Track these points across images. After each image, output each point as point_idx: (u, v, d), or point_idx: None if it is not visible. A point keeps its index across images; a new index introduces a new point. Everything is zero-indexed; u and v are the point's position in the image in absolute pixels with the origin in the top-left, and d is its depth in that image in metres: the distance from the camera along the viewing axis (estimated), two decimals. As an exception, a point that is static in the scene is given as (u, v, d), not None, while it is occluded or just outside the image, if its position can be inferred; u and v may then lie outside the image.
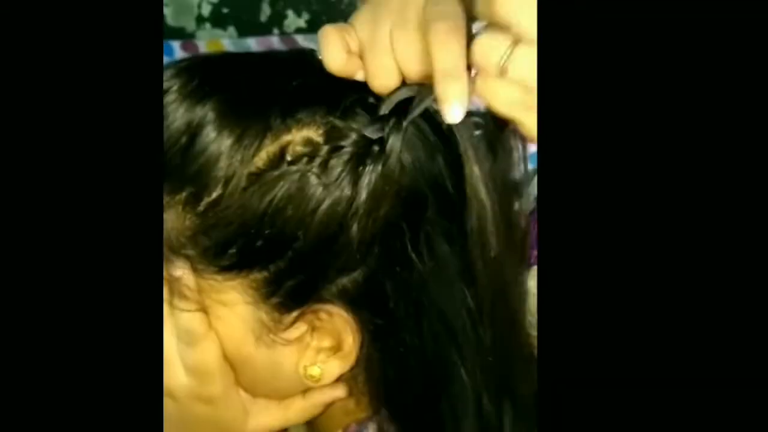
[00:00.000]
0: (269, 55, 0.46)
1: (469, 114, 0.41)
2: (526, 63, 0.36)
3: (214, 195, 0.41)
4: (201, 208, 0.41)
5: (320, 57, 0.43)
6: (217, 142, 0.41)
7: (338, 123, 0.41)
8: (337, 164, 0.40)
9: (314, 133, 0.41)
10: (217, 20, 1.64)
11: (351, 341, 0.43)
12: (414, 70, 0.40)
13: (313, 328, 0.43)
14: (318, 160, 0.40)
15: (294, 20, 1.67)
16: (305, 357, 0.44)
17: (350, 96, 0.42)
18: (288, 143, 0.41)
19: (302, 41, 1.60)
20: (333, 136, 0.41)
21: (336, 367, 0.44)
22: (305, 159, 0.40)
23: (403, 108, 0.41)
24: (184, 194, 0.42)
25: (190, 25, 1.63)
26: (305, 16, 1.67)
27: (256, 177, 0.41)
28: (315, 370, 0.44)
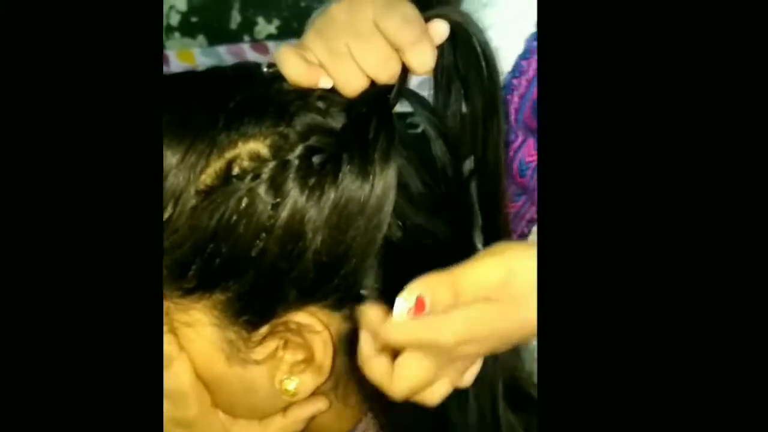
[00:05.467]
0: (213, 72, 0.45)
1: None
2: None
3: (166, 215, 0.40)
4: None
5: (266, 70, 0.43)
6: (164, 160, 0.40)
7: (284, 131, 0.40)
8: (286, 178, 0.39)
9: (261, 145, 0.40)
10: (187, 29, 1.63)
11: (323, 351, 0.42)
12: (383, 74, 0.42)
13: (284, 342, 0.42)
14: (265, 176, 0.39)
15: (264, 27, 1.67)
16: (279, 372, 0.43)
17: (295, 102, 0.41)
18: (235, 157, 0.40)
19: (273, 47, 1.59)
20: (279, 148, 0.40)
21: (310, 379, 0.43)
22: (251, 175, 0.39)
23: (376, 103, 0.42)
24: None
25: (159, 35, 1.62)
26: (276, 22, 1.67)
27: (204, 194, 0.40)
28: (290, 385, 0.43)
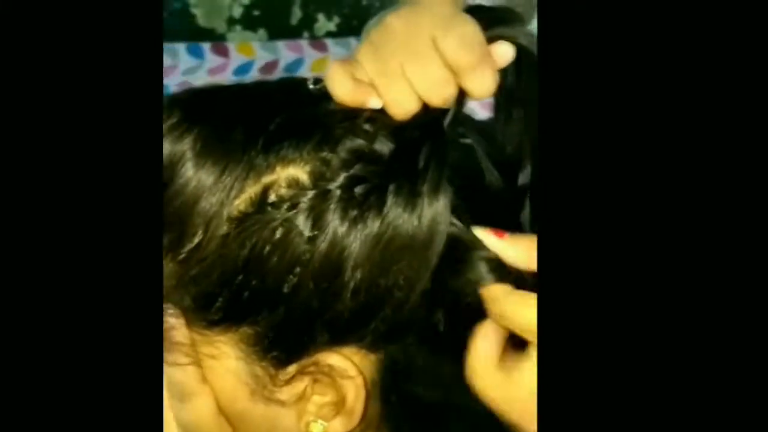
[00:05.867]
0: (256, 86, 0.43)
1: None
2: None
3: (196, 240, 0.38)
4: (182, 255, 0.38)
5: (312, 87, 0.41)
6: (196, 179, 0.37)
7: (327, 157, 0.38)
8: (325, 209, 0.37)
9: (301, 171, 0.38)
10: (248, 22, 1.64)
11: (353, 396, 0.39)
12: (437, 98, 0.39)
13: (314, 382, 0.40)
14: (303, 206, 0.37)
15: (325, 24, 1.67)
16: (306, 413, 0.40)
17: (341, 125, 0.39)
18: (272, 183, 0.38)
19: (331, 45, 1.60)
20: (321, 176, 0.37)
21: (340, 425, 0.40)
22: (288, 204, 0.37)
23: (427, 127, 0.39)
24: (165, 240, 0.38)
25: (220, 26, 1.63)
26: (336, 19, 1.67)
27: (237, 222, 0.37)
28: (317, 428, 0.40)
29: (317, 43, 1.60)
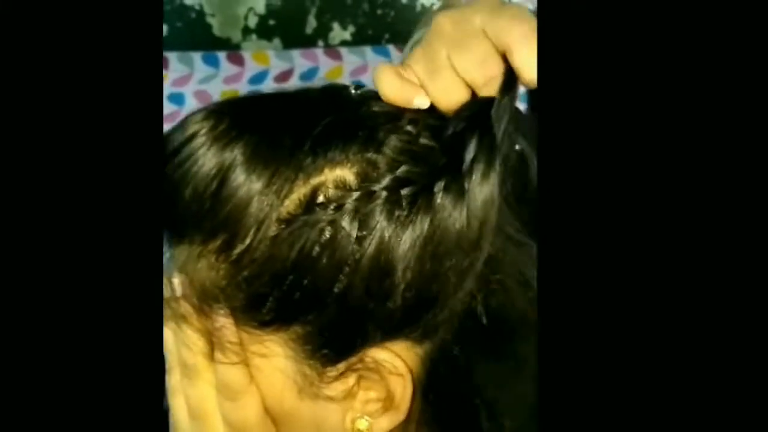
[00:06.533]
0: (300, 94, 0.43)
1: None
2: None
3: (247, 242, 0.39)
4: (234, 256, 0.39)
5: (354, 92, 0.41)
6: (247, 185, 0.38)
7: (373, 157, 0.39)
8: (372, 210, 0.37)
9: (348, 172, 0.39)
10: (263, 32, 1.65)
11: (401, 392, 0.40)
12: (480, 76, 0.39)
13: (360, 377, 0.41)
14: (349, 206, 0.37)
15: (339, 33, 1.68)
16: (352, 410, 0.41)
17: (384, 126, 0.39)
18: (321, 184, 0.39)
19: (346, 54, 1.60)
20: (366, 176, 0.38)
21: (385, 421, 0.41)
22: (334, 205, 0.38)
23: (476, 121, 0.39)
24: (218, 242, 0.40)
25: (236, 36, 1.64)
26: (351, 28, 1.68)
27: (286, 223, 0.38)
28: (363, 424, 0.41)
29: (332, 51, 1.61)
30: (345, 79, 1.54)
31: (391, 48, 1.62)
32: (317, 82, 1.54)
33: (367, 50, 1.61)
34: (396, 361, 0.40)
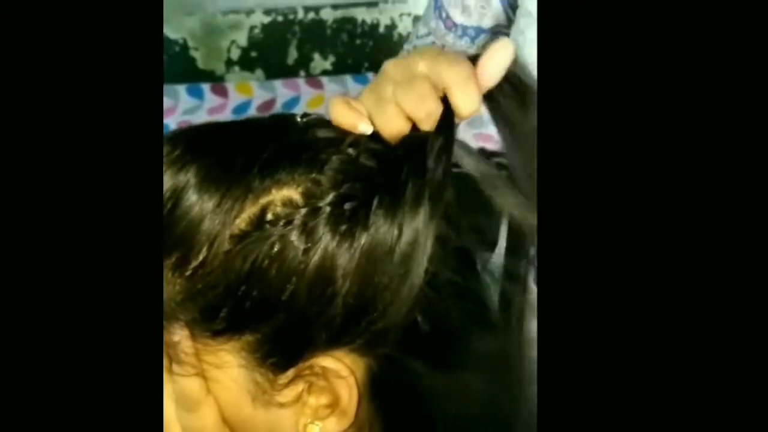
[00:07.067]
0: (250, 122, 0.47)
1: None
2: None
3: (200, 258, 0.41)
4: (189, 271, 0.42)
5: (300, 120, 0.45)
6: (199, 204, 0.41)
7: (316, 177, 0.42)
8: (317, 224, 0.40)
9: (294, 192, 0.42)
10: (246, 63, 1.68)
11: (347, 397, 0.42)
12: (421, 111, 0.43)
13: (309, 385, 0.43)
14: (297, 222, 0.40)
15: (320, 63, 1.71)
16: (303, 416, 0.43)
17: (327, 150, 0.43)
18: (269, 203, 0.42)
19: (327, 83, 1.64)
20: (312, 195, 0.41)
21: (335, 424, 0.43)
22: (284, 221, 0.41)
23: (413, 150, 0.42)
24: (173, 259, 0.42)
25: (219, 68, 1.68)
26: (331, 58, 1.72)
27: (238, 239, 0.41)
28: (314, 429, 0.43)
29: (313, 81, 1.64)
30: (327, 107, 1.56)
31: (371, 76, 1.65)
32: (299, 110, 1.56)
33: (348, 79, 1.64)
34: (340, 367, 0.42)
